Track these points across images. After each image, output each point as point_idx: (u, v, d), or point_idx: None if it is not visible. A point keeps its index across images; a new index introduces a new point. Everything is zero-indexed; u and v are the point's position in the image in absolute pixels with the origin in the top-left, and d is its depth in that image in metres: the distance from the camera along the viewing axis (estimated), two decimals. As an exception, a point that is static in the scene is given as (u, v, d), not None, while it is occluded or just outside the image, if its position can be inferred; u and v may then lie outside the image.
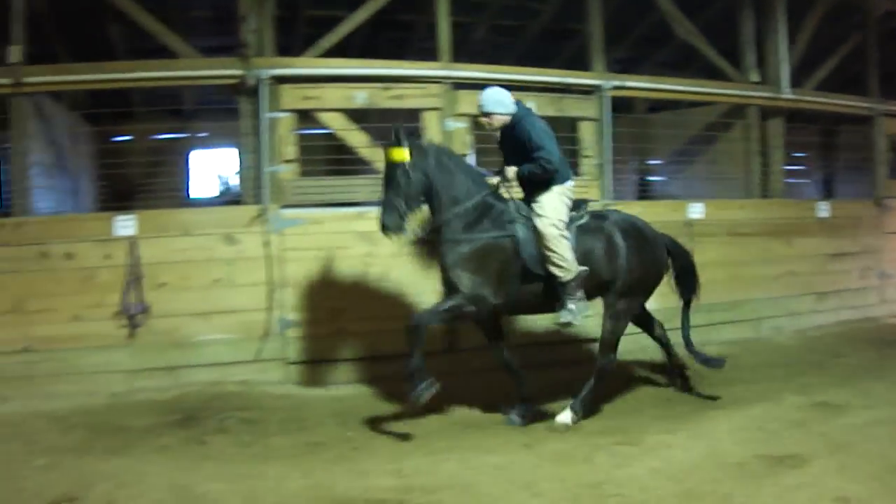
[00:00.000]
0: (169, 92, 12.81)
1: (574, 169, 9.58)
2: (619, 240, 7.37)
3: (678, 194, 12.16)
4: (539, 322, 8.75)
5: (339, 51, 9.40)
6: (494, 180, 7.28)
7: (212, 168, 14.78)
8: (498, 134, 7.37)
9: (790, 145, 12.33)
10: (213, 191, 14.64)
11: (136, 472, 5.85)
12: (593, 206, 8.10)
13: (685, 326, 8.08)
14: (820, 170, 15.86)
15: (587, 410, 7.28)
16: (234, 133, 9.38)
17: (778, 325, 10.87)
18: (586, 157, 9.96)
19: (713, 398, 7.81)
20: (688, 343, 8.02)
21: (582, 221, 7.33)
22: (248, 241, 8.59)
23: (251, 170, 8.94)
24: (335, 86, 8.97)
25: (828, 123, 14.72)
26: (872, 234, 12.14)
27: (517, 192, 7.30)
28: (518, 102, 7.25)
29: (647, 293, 7.80)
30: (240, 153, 9.13)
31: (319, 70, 9.02)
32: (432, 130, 9.06)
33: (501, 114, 7.15)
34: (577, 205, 7.40)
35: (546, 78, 9.83)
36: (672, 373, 8.36)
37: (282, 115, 8.76)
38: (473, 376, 8.27)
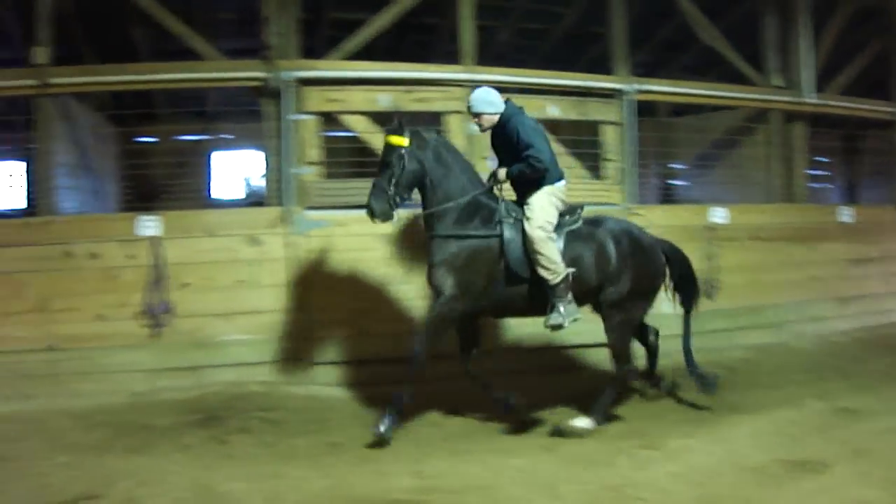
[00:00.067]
0: (192, 94, 12.89)
1: (595, 172, 9.63)
2: (610, 247, 7.24)
3: (700, 198, 12.11)
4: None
5: (363, 54, 9.44)
6: (487, 181, 7.23)
7: (235, 170, 14.87)
8: (490, 134, 7.35)
9: (813, 150, 12.25)
10: (239, 192, 14.71)
11: (158, 471, 5.88)
12: (604, 211, 8.06)
13: (686, 336, 7.85)
14: (843, 175, 15.80)
15: (606, 417, 7.23)
16: (257, 135, 9.42)
17: (799, 330, 10.74)
18: (609, 160, 9.89)
19: (705, 408, 7.66)
20: (687, 354, 7.80)
21: (574, 227, 7.23)
22: (272, 243, 8.62)
23: (275, 172, 8.96)
24: (359, 88, 8.99)
25: (851, 128, 14.64)
26: (895, 239, 12.05)
27: (510, 194, 7.25)
28: (508, 102, 7.21)
29: (646, 301, 7.58)
30: (266, 155, 9.13)
31: (343, 73, 9.04)
32: (455, 134, 9.05)
33: (491, 113, 7.11)
34: (572, 209, 7.32)
35: (569, 82, 9.81)
36: (648, 378, 8.08)
37: (305, 117, 8.79)
38: (496, 378, 8.26)
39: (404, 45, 12.29)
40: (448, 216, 6.98)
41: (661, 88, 10.45)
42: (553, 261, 6.85)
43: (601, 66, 10.53)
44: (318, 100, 8.87)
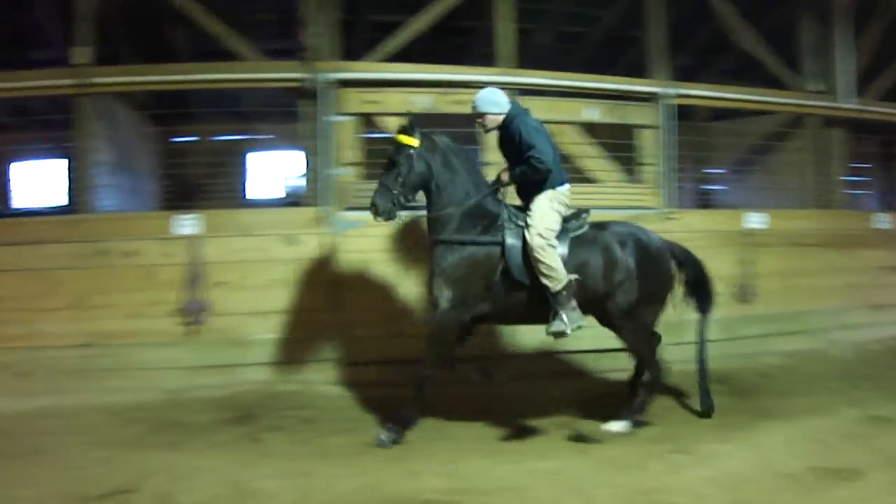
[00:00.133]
0: (230, 94, 12.98)
1: (631, 176, 9.61)
2: (617, 253, 7.12)
3: (737, 203, 12.05)
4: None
5: (401, 55, 9.46)
6: (491, 184, 7.17)
7: (273, 170, 14.96)
8: (496, 135, 7.30)
9: (851, 156, 12.15)
10: (278, 192, 14.80)
11: (192, 467, 5.96)
12: (628, 217, 8.02)
13: (702, 344, 7.65)
14: (881, 181, 15.66)
15: (639, 420, 7.20)
16: (295, 136, 9.47)
17: (835, 337, 10.60)
18: (646, 164, 9.85)
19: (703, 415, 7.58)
20: (701, 364, 7.63)
21: (579, 232, 7.13)
22: (308, 243, 8.66)
23: (312, 172, 9.00)
24: (396, 90, 9.02)
25: (890, 134, 14.49)
26: (932, 246, 11.88)
27: (515, 198, 7.23)
28: (513, 102, 7.17)
29: (656, 305, 7.38)
30: (306, 156, 9.17)
31: (381, 74, 9.08)
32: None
33: (495, 114, 7.04)
34: (578, 214, 7.23)
35: (607, 85, 9.77)
36: (630, 384, 7.74)
37: (343, 118, 8.84)
38: (529, 380, 8.27)
39: (442, 47, 12.28)
40: (450, 221, 6.92)
41: (699, 92, 10.40)
42: (553, 268, 6.75)
43: (639, 69, 10.49)
44: (356, 101, 8.91)
